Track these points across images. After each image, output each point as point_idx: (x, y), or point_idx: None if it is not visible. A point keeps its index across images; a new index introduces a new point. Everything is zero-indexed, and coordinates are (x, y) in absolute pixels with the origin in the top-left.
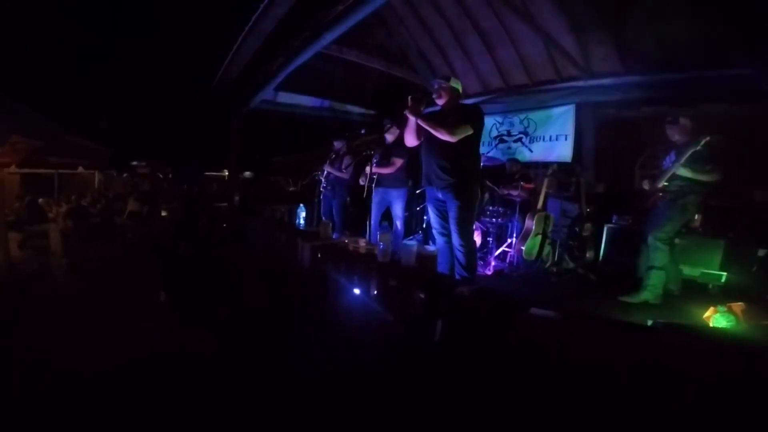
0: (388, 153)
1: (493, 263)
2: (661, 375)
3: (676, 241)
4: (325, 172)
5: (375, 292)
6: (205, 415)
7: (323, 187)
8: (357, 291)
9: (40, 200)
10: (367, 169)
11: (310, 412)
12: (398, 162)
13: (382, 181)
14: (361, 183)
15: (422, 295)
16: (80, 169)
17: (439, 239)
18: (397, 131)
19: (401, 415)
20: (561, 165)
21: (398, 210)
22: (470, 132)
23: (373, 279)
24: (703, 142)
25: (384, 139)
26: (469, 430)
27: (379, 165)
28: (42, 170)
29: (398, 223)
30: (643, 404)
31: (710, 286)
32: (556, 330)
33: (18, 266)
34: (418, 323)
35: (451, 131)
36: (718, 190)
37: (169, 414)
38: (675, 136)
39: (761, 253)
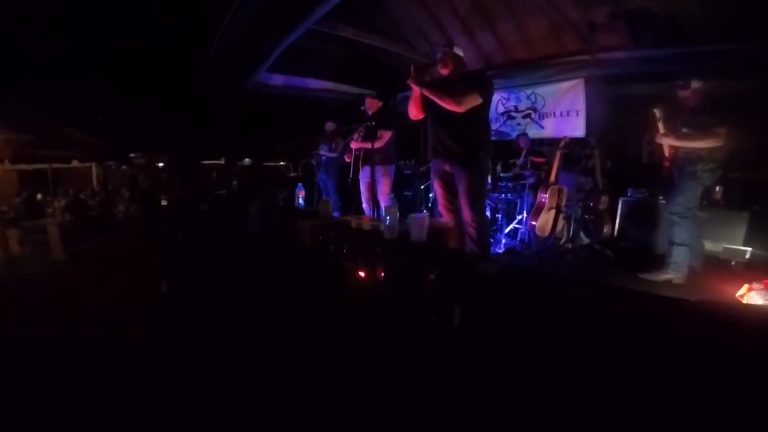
0: (373, 127)
1: (503, 241)
2: (723, 360)
3: (698, 214)
4: (318, 154)
5: (382, 274)
6: (208, 407)
7: (315, 169)
8: (362, 274)
9: (39, 196)
10: (352, 145)
11: (311, 404)
12: (386, 135)
13: (367, 158)
14: (347, 160)
15: (433, 276)
16: (74, 163)
17: (446, 216)
18: (379, 103)
19: (416, 414)
20: (574, 138)
21: (385, 188)
22: (479, 102)
23: (379, 258)
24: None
25: (365, 113)
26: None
27: (365, 140)
28: (36, 165)
29: (383, 203)
30: (702, 392)
31: (733, 262)
32: (601, 313)
33: (18, 261)
34: (433, 308)
35: (458, 101)
36: (737, 159)
37: (169, 407)
38: (687, 100)
39: None
